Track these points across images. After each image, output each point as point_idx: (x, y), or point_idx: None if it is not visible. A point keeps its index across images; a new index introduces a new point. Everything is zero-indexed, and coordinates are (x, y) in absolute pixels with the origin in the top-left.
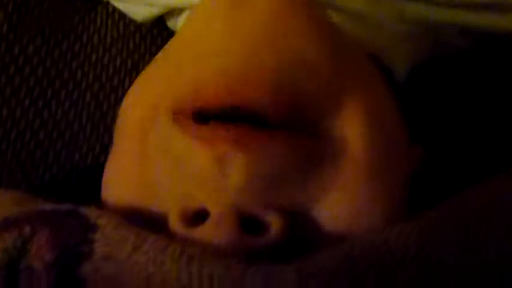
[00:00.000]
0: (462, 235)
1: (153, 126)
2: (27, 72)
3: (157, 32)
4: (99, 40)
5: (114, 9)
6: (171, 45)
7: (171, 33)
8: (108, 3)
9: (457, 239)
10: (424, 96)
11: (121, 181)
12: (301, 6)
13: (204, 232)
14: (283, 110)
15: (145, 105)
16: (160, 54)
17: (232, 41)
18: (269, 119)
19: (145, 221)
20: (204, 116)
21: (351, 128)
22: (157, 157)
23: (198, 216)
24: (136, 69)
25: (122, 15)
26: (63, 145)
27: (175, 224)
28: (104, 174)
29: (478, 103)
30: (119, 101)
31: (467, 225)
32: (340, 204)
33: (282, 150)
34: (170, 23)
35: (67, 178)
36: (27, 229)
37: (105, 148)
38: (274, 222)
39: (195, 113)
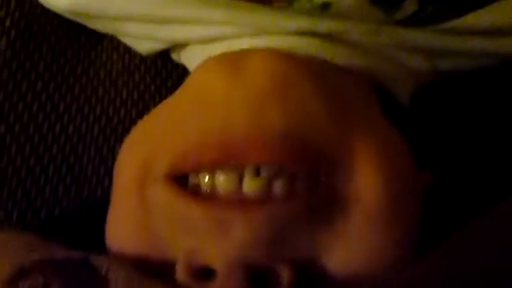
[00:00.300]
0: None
1: (149, 183)
2: (35, 108)
3: (162, 63)
4: (105, 74)
5: (119, 42)
6: (169, 104)
7: (175, 65)
8: (113, 37)
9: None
10: (426, 121)
11: (122, 231)
12: (298, 64)
13: None
14: (291, 168)
15: (140, 161)
16: (157, 109)
17: (234, 104)
18: (273, 190)
19: (150, 268)
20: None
21: (362, 178)
22: (156, 214)
23: (206, 268)
24: (142, 100)
25: (127, 48)
26: (72, 179)
27: (182, 277)
28: (107, 222)
29: (479, 126)
30: (125, 133)
31: (467, 275)
32: (350, 253)
33: (282, 212)
34: (174, 55)
35: (77, 212)
36: (40, 280)
37: None
38: (284, 274)
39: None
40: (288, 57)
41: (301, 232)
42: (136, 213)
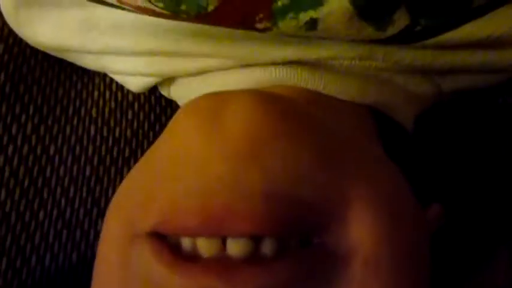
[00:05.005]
0: None
1: (131, 245)
2: (26, 152)
3: (155, 100)
4: (98, 112)
5: (112, 79)
6: (151, 156)
7: (169, 101)
8: (105, 74)
9: None
10: (431, 145)
11: None
12: (283, 105)
13: None
14: (278, 233)
15: (124, 218)
16: (141, 162)
17: (213, 165)
18: (261, 249)
19: None
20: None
21: (358, 228)
22: (136, 282)
23: None
24: (136, 138)
25: (120, 85)
26: (63, 224)
27: None
28: (92, 281)
29: (486, 148)
30: (119, 173)
31: None
32: None
33: (272, 274)
34: (164, 91)
35: (68, 258)
36: None
37: None
38: None
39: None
40: (270, 102)
41: None
42: (115, 274)
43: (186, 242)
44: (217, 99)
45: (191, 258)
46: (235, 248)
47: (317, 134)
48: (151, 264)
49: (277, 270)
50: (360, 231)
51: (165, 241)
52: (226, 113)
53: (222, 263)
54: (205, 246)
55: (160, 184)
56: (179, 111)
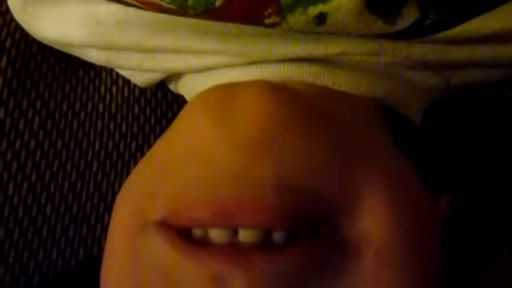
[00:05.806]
0: None
1: (140, 230)
2: (33, 146)
3: (162, 95)
4: (104, 107)
5: (118, 74)
6: (160, 147)
7: (175, 96)
8: (112, 69)
9: None
10: (439, 138)
11: (112, 281)
12: (292, 99)
13: None
14: (289, 226)
15: (132, 209)
16: (149, 154)
17: (222, 157)
18: (272, 236)
19: None
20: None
21: (370, 218)
22: (148, 270)
23: None
24: (142, 133)
25: (126, 81)
26: (70, 219)
27: None
28: (101, 271)
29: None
30: (125, 167)
31: None
32: None
33: (284, 262)
34: (171, 86)
35: (75, 254)
36: None
37: None
38: None
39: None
40: (280, 93)
41: (309, 280)
42: (125, 263)
43: (197, 230)
44: (227, 90)
45: (203, 244)
46: (247, 235)
47: (327, 125)
48: (163, 251)
49: (289, 256)
50: (372, 222)
51: (175, 228)
52: (236, 104)
53: (234, 249)
54: (216, 235)
55: (168, 175)
56: (188, 103)
